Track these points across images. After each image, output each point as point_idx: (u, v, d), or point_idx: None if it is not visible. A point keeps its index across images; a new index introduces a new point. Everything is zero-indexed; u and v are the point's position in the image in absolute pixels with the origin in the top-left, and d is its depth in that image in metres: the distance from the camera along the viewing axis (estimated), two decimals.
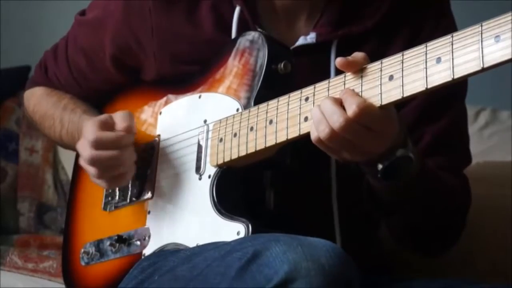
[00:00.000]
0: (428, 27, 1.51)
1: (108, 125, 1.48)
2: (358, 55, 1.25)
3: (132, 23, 1.57)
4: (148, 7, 1.54)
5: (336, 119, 1.22)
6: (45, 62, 1.76)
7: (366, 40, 1.49)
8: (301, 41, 1.49)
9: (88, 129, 1.47)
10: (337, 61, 1.25)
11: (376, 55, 1.37)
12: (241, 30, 1.49)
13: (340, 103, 1.24)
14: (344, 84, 1.26)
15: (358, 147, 1.26)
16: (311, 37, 1.49)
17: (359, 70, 1.25)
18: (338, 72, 1.45)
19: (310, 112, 1.29)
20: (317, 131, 1.25)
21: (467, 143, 1.58)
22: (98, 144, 1.45)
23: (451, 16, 1.56)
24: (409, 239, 1.56)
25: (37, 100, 1.75)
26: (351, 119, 1.21)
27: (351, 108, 1.21)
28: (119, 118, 1.49)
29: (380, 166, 1.31)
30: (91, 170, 1.48)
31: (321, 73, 1.46)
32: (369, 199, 1.47)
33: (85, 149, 1.46)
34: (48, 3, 3.20)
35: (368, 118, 1.22)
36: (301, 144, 1.35)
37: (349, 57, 1.25)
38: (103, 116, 1.50)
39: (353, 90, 1.24)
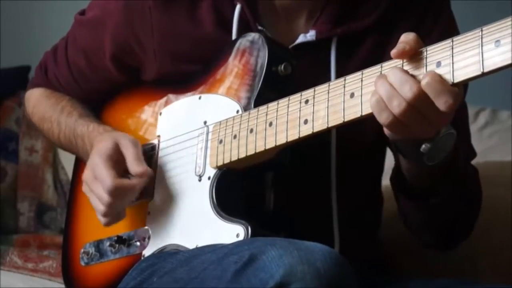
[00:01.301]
0: (427, 23, 1.51)
1: (117, 162, 1.47)
2: (409, 38, 1.21)
3: (132, 22, 1.56)
4: (148, 5, 1.53)
5: (409, 88, 1.16)
6: (45, 63, 1.76)
7: (366, 36, 1.49)
8: (301, 38, 1.49)
9: (98, 166, 1.46)
10: (393, 54, 1.20)
11: (376, 51, 1.36)
12: (242, 29, 1.49)
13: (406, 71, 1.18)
14: (344, 86, 1.26)
15: (428, 119, 1.20)
16: (310, 35, 1.49)
17: (358, 73, 1.25)
18: (339, 69, 1.46)
19: (309, 115, 1.28)
20: (391, 107, 1.18)
21: (470, 138, 1.58)
22: (116, 192, 1.44)
23: (450, 12, 1.56)
24: (428, 230, 1.53)
25: (36, 101, 1.74)
26: (422, 89, 1.16)
27: (424, 79, 1.16)
28: (131, 156, 1.47)
29: (424, 147, 1.26)
30: (100, 209, 1.47)
31: (321, 71, 1.46)
32: (399, 185, 1.46)
33: (99, 191, 1.45)
34: (48, 3, 3.20)
35: (439, 86, 1.16)
36: (301, 146, 1.35)
37: (403, 44, 1.20)
38: (110, 151, 1.47)
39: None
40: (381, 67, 1.22)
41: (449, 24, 1.53)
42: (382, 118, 1.20)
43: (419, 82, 1.16)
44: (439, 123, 1.22)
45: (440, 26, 1.51)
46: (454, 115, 1.49)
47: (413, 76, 1.18)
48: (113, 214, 1.47)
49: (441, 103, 1.16)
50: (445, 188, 1.41)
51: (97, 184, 1.46)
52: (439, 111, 1.17)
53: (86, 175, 1.49)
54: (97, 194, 1.46)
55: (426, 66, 1.16)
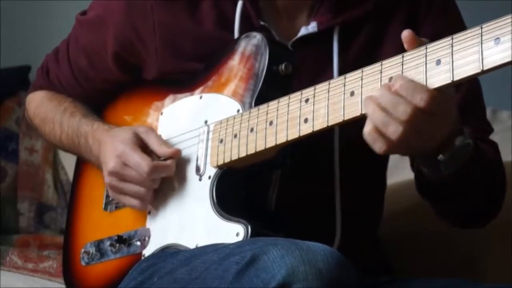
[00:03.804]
0: (424, 4, 1.51)
1: (142, 148, 1.48)
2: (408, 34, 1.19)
3: (134, 20, 1.57)
4: (150, 4, 1.54)
5: (403, 111, 1.16)
6: (46, 65, 1.76)
7: (365, 23, 1.49)
8: (303, 31, 1.49)
9: (128, 153, 1.47)
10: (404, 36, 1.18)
11: (376, 36, 1.36)
12: (244, 26, 1.49)
13: (395, 91, 1.17)
14: (344, 85, 1.26)
15: (425, 134, 1.20)
16: (312, 27, 1.49)
17: (358, 71, 1.25)
18: (341, 59, 1.47)
19: (309, 114, 1.28)
20: (388, 133, 1.18)
21: (485, 112, 1.58)
22: (153, 174, 1.45)
23: None
24: (460, 218, 1.53)
25: (38, 103, 1.74)
26: (420, 108, 1.16)
27: (422, 98, 1.16)
28: (156, 141, 1.49)
29: (441, 157, 1.25)
30: (140, 192, 1.47)
31: (325, 62, 1.47)
32: (423, 190, 1.46)
33: (135, 176, 1.46)
34: (48, 3, 3.20)
35: (434, 104, 1.16)
36: (304, 144, 1.35)
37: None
38: (134, 138, 1.49)
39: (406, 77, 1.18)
40: (381, 65, 1.22)
41: (446, 5, 1.54)
42: (377, 147, 1.21)
43: (411, 102, 1.16)
44: (434, 132, 1.21)
45: (437, 7, 1.51)
46: (465, 96, 1.48)
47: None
48: (148, 197, 1.48)
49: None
50: (463, 187, 1.40)
51: (130, 170, 1.46)
52: (430, 120, 1.17)
53: (114, 165, 1.48)
54: (133, 179, 1.46)
55: (426, 64, 1.15)
